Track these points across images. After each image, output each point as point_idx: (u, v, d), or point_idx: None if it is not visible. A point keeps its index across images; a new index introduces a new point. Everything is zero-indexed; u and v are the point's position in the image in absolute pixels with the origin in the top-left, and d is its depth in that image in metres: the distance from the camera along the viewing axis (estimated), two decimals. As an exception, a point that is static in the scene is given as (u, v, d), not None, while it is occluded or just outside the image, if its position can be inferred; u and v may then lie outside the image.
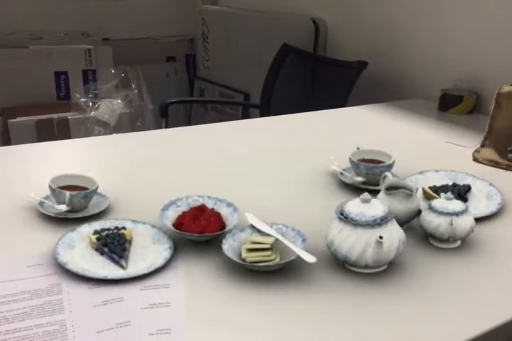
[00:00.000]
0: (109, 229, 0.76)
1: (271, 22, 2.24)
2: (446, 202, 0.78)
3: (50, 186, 0.83)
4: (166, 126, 2.04)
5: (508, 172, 1.10)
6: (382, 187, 0.83)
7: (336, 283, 0.69)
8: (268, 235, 0.74)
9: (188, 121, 2.79)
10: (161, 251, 0.72)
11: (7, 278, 0.67)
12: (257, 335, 0.59)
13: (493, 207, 0.90)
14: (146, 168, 1.07)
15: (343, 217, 0.71)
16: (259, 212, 0.80)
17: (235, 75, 2.51)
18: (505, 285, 0.70)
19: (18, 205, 0.86)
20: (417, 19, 1.73)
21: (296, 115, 1.51)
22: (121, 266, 0.69)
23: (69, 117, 2.29)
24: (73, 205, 0.83)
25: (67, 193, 0.81)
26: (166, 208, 0.81)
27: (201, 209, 0.80)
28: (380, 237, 0.67)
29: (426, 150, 1.23)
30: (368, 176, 0.97)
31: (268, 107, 2.09)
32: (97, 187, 0.86)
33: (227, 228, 0.77)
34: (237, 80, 2.49)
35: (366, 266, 0.70)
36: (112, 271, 0.68)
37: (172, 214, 0.80)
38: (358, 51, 1.91)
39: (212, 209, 0.81)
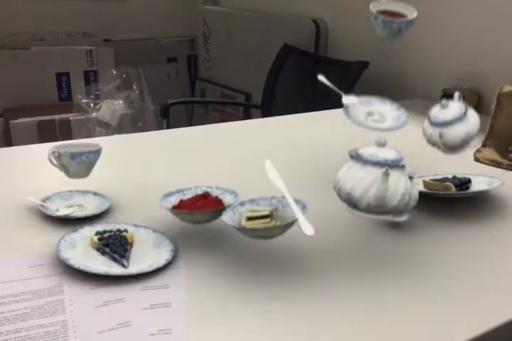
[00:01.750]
0: (111, 231, 0.76)
1: (272, 22, 2.24)
2: (439, 111, 0.75)
3: (52, 152, 0.80)
4: (168, 127, 2.04)
5: (509, 172, 1.10)
6: None
7: (336, 283, 0.69)
8: (266, 206, 0.73)
9: (190, 121, 2.80)
10: (163, 253, 0.72)
11: (8, 278, 0.67)
12: (258, 335, 0.59)
13: (494, 185, 0.89)
14: (148, 169, 1.07)
15: (355, 155, 0.69)
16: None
17: (236, 76, 2.52)
18: (506, 282, 0.70)
19: (20, 206, 0.86)
20: (418, 19, 1.73)
21: (298, 115, 1.51)
22: (123, 265, 0.69)
23: (70, 118, 2.30)
24: (65, 169, 0.80)
25: (51, 150, 0.78)
26: (170, 194, 0.79)
27: (204, 196, 0.79)
28: (387, 170, 0.65)
29: (427, 150, 1.23)
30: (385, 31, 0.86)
31: (269, 107, 2.09)
32: (92, 152, 0.82)
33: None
34: (239, 81, 2.49)
35: (368, 207, 0.68)
36: (113, 268, 0.69)
37: (174, 200, 0.79)
38: (359, 51, 1.91)
39: (216, 196, 0.79)
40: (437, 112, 0.74)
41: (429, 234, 0.82)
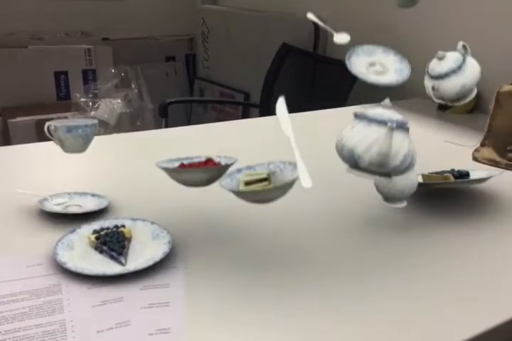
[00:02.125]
0: (108, 228, 0.76)
1: (271, 21, 2.24)
2: (436, 63, 0.74)
3: (49, 125, 0.80)
4: (166, 126, 2.04)
5: (508, 171, 1.10)
6: None
7: (336, 283, 0.69)
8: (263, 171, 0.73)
9: (188, 120, 2.80)
10: (160, 246, 0.72)
11: (6, 278, 0.67)
12: (257, 334, 0.59)
13: (494, 173, 0.90)
14: (146, 168, 1.06)
15: (360, 115, 0.68)
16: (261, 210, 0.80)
17: (234, 75, 2.52)
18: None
19: (18, 205, 0.86)
20: (417, 19, 1.73)
21: (296, 115, 1.50)
22: (121, 263, 0.69)
23: (69, 117, 2.30)
24: (61, 142, 0.79)
25: (47, 124, 0.78)
26: (174, 160, 0.78)
27: (206, 162, 0.78)
28: (392, 125, 0.64)
29: (425, 149, 1.23)
30: None
31: (268, 107, 2.09)
32: (88, 125, 0.81)
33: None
34: (237, 80, 2.49)
35: (370, 165, 0.66)
36: (110, 268, 0.68)
37: (176, 164, 0.78)
38: (358, 50, 1.90)
39: (218, 162, 0.78)
40: (434, 64, 0.73)
41: (429, 233, 0.82)
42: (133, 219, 0.78)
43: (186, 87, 2.91)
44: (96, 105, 2.36)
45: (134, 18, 2.75)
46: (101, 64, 2.52)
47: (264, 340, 0.58)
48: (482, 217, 0.88)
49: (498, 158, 1.13)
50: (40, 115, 2.25)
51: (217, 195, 0.86)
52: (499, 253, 0.78)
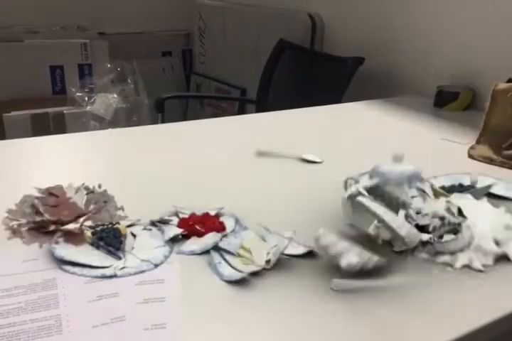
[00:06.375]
0: (103, 224, 0.76)
1: (268, 17, 2.24)
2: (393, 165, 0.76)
3: None
4: (162, 121, 2.04)
5: (503, 169, 1.10)
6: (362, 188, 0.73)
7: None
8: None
9: (184, 116, 2.80)
10: (159, 248, 0.72)
11: (2, 272, 0.66)
12: (252, 330, 0.59)
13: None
14: (142, 164, 1.07)
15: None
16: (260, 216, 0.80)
17: (231, 70, 2.51)
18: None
19: (13, 199, 0.86)
20: (414, 15, 1.73)
21: (292, 111, 1.51)
22: (119, 258, 0.69)
23: (64, 111, 2.29)
24: None
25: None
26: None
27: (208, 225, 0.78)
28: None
29: (421, 146, 1.24)
30: None
31: (264, 102, 2.09)
32: None
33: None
34: (234, 75, 2.49)
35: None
36: (109, 264, 0.68)
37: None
38: (355, 47, 1.91)
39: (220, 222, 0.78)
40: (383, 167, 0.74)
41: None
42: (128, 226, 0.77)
43: (183, 83, 2.90)
44: (92, 100, 2.36)
45: (131, 13, 2.74)
46: (97, 58, 2.51)
47: (260, 336, 0.58)
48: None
49: (493, 156, 1.13)
50: (35, 109, 2.23)
51: (215, 193, 0.86)
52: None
